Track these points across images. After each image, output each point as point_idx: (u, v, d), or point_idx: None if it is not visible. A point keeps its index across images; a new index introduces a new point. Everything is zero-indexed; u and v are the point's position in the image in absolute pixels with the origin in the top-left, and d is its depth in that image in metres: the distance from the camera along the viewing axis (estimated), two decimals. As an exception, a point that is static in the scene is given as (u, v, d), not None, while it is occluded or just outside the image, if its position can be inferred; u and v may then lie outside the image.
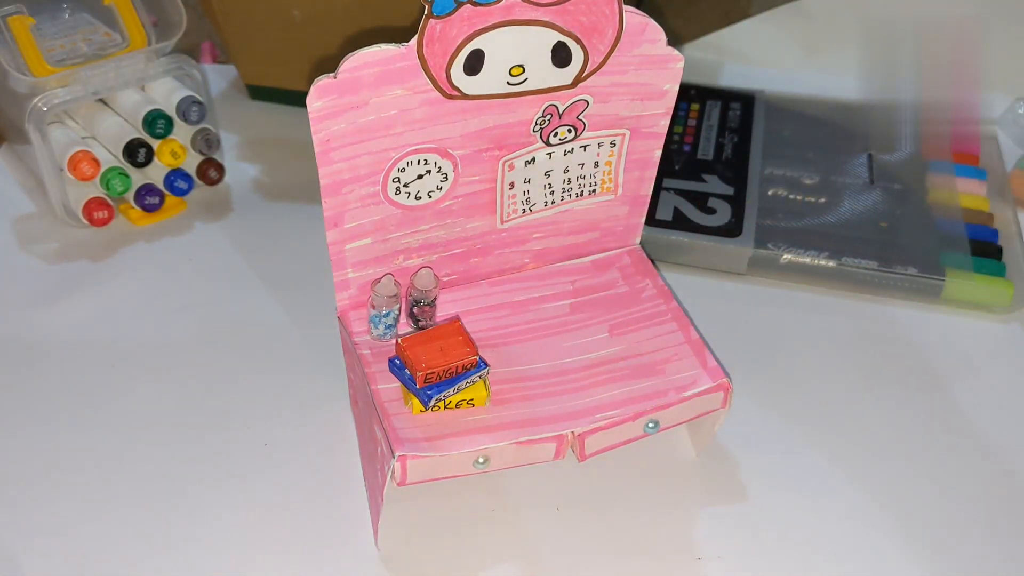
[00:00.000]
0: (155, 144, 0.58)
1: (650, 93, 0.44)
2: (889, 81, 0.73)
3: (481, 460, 0.40)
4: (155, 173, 0.59)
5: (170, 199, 0.60)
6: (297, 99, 0.69)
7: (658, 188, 0.60)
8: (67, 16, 0.59)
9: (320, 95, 0.38)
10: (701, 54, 0.76)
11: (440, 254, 0.46)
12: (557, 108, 0.42)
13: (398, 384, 0.42)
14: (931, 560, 0.43)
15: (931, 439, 0.49)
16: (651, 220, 0.58)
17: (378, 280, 0.44)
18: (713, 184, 0.61)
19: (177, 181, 0.59)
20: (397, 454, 0.39)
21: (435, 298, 0.45)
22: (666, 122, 0.45)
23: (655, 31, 0.41)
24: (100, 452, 0.46)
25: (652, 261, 0.49)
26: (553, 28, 0.39)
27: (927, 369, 0.53)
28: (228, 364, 0.51)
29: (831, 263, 0.57)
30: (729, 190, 0.61)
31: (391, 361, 0.42)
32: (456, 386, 0.41)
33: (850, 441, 0.48)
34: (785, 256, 0.57)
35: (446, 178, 0.43)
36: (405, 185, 0.42)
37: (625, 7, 0.40)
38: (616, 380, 0.43)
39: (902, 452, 0.48)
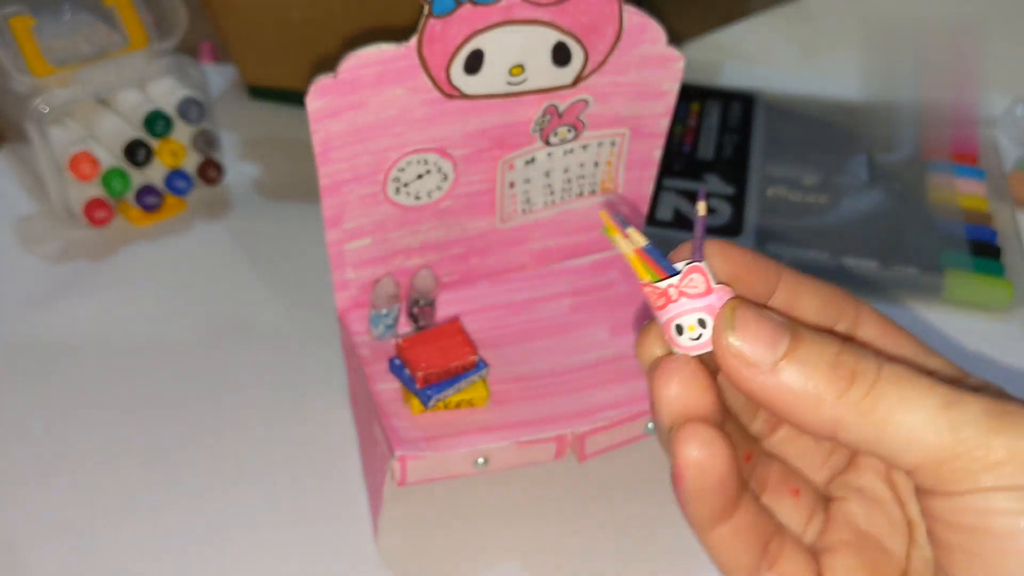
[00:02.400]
0: (155, 144, 0.58)
1: (650, 93, 0.44)
2: (889, 81, 0.73)
3: (481, 460, 0.40)
4: (155, 173, 0.59)
5: (170, 199, 0.60)
6: (297, 99, 0.69)
7: (658, 188, 0.60)
8: (67, 16, 0.59)
9: (320, 95, 0.38)
10: (701, 54, 0.76)
11: (440, 254, 0.46)
12: (557, 108, 0.42)
13: (398, 384, 0.42)
14: (931, 560, 0.43)
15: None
16: (651, 220, 0.58)
17: (378, 280, 0.44)
18: (713, 184, 0.61)
19: (177, 181, 0.59)
20: (397, 454, 0.39)
21: (435, 298, 0.45)
22: (666, 122, 0.45)
23: (655, 31, 0.41)
24: (99, 452, 0.46)
25: (652, 261, 0.49)
26: (553, 28, 0.39)
27: (927, 369, 0.53)
28: (228, 364, 0.51)
29: (831, 263, 0.57)
30: (729, 190, 0.61)
31: (391, 361, 0.42)
32: (456, 386, 0.41)
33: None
34: (785, 256, 0.57)
35: (446, 178, 0.43)
36: (405, 185, 0.42)
37: (625, 6, 0.40)
38: (616, 380, 0.43)
39: (902, 452, 0.48)
